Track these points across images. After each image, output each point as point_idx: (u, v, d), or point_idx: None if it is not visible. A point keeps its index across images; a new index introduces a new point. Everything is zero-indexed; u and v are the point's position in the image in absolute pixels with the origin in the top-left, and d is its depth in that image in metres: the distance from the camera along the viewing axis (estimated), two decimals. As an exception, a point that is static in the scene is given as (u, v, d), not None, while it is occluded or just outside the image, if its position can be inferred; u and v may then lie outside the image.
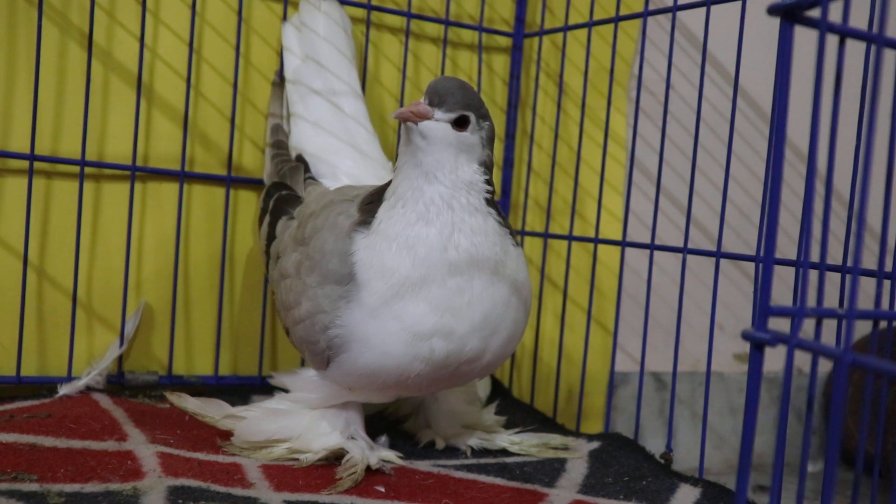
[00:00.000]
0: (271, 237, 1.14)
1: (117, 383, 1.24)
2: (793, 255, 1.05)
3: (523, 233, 1.44)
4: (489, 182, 1.00)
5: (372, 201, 1.01)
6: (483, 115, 0.98)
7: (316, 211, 1.07)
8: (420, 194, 0.96)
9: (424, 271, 0.95)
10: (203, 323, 1.31)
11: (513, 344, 1.03)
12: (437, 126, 0.95)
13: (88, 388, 1.21)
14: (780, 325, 0.68)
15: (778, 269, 0.63)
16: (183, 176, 1.27)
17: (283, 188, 1.18)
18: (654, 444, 1.34)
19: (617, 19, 1.27)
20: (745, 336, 0.63)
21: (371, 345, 0.97)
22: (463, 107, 0.96)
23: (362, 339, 0.97)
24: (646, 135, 1.38)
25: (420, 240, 0.95)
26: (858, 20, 0.77)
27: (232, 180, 1.30)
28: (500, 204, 1.44)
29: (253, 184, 1.31)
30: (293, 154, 1.21)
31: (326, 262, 1.00)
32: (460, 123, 0.96)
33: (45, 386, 1.20)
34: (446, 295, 0.95)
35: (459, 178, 0.97)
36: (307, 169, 1.19)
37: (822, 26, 0.62)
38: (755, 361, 0.62)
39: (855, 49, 0.79)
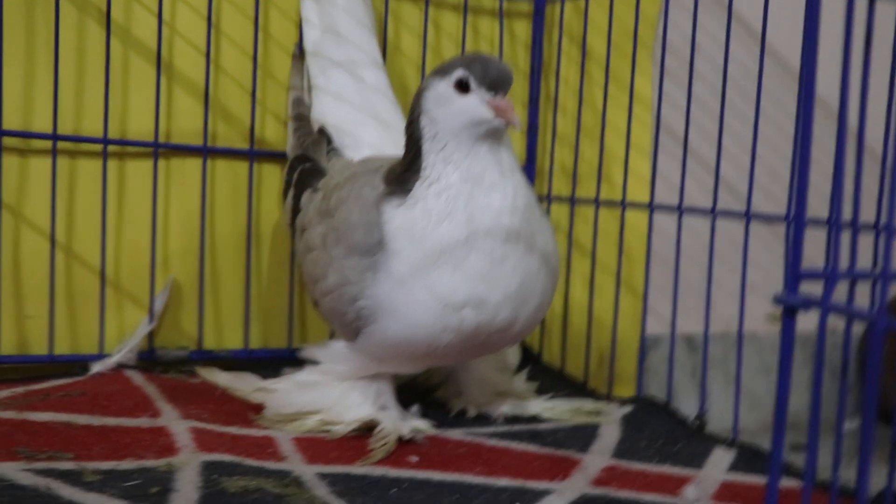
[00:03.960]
0: (296, 210, 1.14)
1: (149, 359, 1.25)
2: (824, 215, 1.03)
3: (549, 198, 1.43)
4: None
5: (400, 174, 1.00)
6: None
7: (340, 183, 1.06)
8: (488, 161, 0.96)
9: (474, 239, 0.95)
10: (231, 297, 1.31)
11: (542, 312, 1.03)
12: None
13: (120, 365, 1.21)
14: (813, 286, 0.67)
15: (810, 228, 0.62)
16: (206, 151, 1.27)
17: (307, 161, 1.17)
18: (687, 407, 1.32)
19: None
20: (778, 300, 0.62)
21: (400, 315, 0.97)
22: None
23: (391, 309, 0.97)
24: (672, 96, 1.36)
25: (480, 207, 0.95)
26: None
27: (255, 154, 1.30)
28: (526, 170, 1.43)
29: (276, 157, 1.31)
30: (315, 126, 1.21)
31: (352, 233, 1.00)
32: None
33: (77, 364, 1.20)
34: (488, 264, 0.95)
35: (509, 144, 0.99)
36: (329, 141, 1.18)
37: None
38: (788, 326, 0.61)
39: (884, 7, 0.76)
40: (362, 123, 1.19)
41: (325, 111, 1.20)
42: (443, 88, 0.98)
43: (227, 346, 1.31)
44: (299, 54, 1.27)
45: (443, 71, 0.99)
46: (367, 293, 0.98)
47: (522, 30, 1.45)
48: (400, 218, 0.97)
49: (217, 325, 1.30)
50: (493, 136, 0.97)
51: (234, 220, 1.31)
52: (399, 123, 1.20)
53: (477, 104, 0.96)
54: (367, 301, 0.98)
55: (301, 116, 1.23)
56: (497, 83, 0.96)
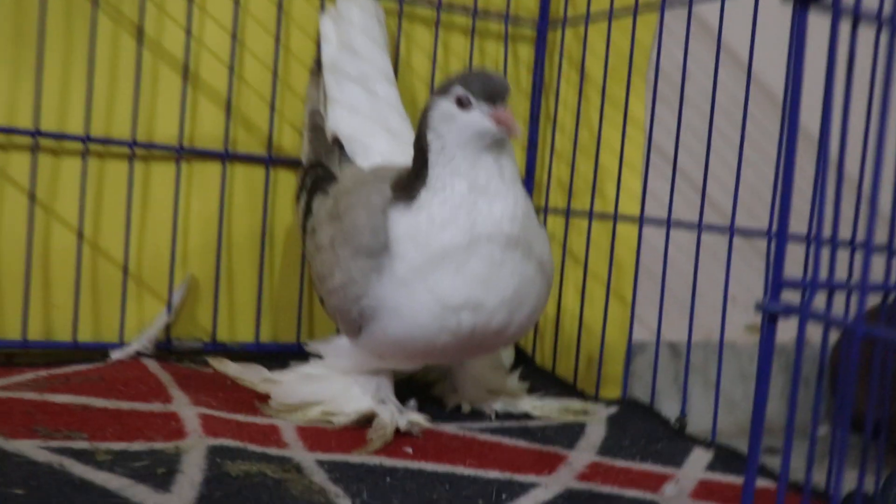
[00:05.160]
0: (308, 213, 1.12)
1: (165, 349, 1.24)
2: (802, 232, 1.01)
3: (546, 210, 1.41)
4: None
5: (407, 183, 0.98)
6: None
7: (350, 189, 1.05)
8: (493, 171, 0.95)
9: (475, 244, 0.93)
10: (245, 293, 1.29)
11: (535, 316, 1.02)
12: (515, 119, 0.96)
13: (138, 354, 1.20)
14: (791, 299, 0.65)
15: (788, 244, 0.61)
16: (226, 157, 1.26)
17: (320, 167, 1.16)
18: (669, 409, 1.30)
19: (636, 11, 1.25)
20: (759, 307, 0.60)
21: (400, 315, 0.95)
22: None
23: (392, 309, 0.95)
24: (663, 118, 1.35)
25: (483, 214, 0.94)
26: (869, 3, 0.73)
27: (271, 161, 1.28)
28: (525, 183, 1.41)
29: (291, 164, 1.29)
30: (329, 136, 1.19)
31: (359, 235, 0.98)
32: None
33: (99, 351, 1.19)
34: (487, 268, 0.93)
35: (511, 154, 0.98)
36: (342, 150, 1.16)
37: (836, 8, 0.58)
38: (769, 332, 0.59)
39: (866, 36, 0.75)
40: (373, 134, 1.18)
41: (339, 121, 1.19)
42: (445, 106, 0.96)
43: (240, 339, 1.29)
44: (317, 69, 1.25)
45: (443, 90, 0.98)
46: (371, 293, 0.96)
47: (525, 52, 1.44)
48: (405, 223, 0.96)
49: (230, 320, 1.28)
50: (497, 145, 0.96)
51: (250, 222, 1.29)
52: (408, 135, 1.18)
53: (479, 117, 0.95)
54: (371, 300, 0.96)
55: (316, 126, 1.22)
56: (495, 95, 0.95)
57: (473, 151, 0.95)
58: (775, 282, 0.59)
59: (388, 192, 1.00)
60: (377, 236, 0.97)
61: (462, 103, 0.95)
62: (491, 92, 0.95)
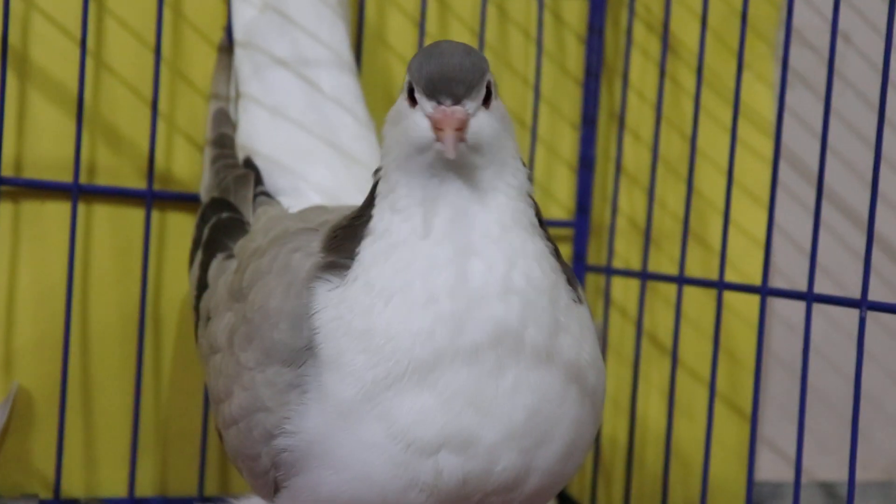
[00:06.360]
0: (202, 285, 0.99)
1: (-27, 514, 1.02)
2: None
3: (610, 270, 1.24)
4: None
5: (345, 234, 0.88)
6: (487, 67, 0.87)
7: (262, 247, 0.92)
8: (465, 221, 0.85)
9: (450, 337, 0.82)
10: (111, 416, 1.14)
11: (575, 459, 0.88)
12: (483, 122, 0.84)
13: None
14: None
15: None
16: (77, 191, 1.09)
17: (225, 208, 1.03)
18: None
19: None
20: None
21: (340, 463, 0.84)
22: (481, 73, 0.84)
23: (326, 453, 0.84)
24: (802, 113, 1.24)
25: (447, 281, 0.82)
26: None
27: (155, 196, 1.13)
28: (575, 225, 1.27)
29: (188, 201, 1.15)
30: (241, 156, 1.07)
31: (270, 328, 0.86)
32: (486, 97, 0.84)
33: None
34: (473, 378, 0.82)
35: (512, 183, 0.87)
36: (259, 179, 1.05)
37: None
38: None
39: None
40: (312, 154, 1.06)
41: (255, 133, 1.07)
42: (399, 102, 0.87)
43: (103, 493, 1.14)
44: (228, 45, 1.12)
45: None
46: (290, 426, 0.84)
47: (574, 12, 1.31)
48: (337, 303, 0.84)
49: (87, 460, 1.13)
50: (463, 169, 0.85)
51: (119, 297, 1.14)
52: (368, 153, 1.08)
53: (417, 120, 0.84)
54: (291, 439, 0.84)
55: (224, 138, 1.09)
56: (436, 85, 0.83)
57: (420, 175, 0.85)
58: None
59: (318, 251, 0.88)
60: (297, 329, 0.84)
61: (411, 96, 0.85)
62: (432, 78, 0.83)
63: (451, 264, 0.83)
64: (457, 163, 0.84)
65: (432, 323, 0.81)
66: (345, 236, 0.86)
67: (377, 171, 0.88)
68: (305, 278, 0.84)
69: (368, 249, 0.85)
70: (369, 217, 0.86)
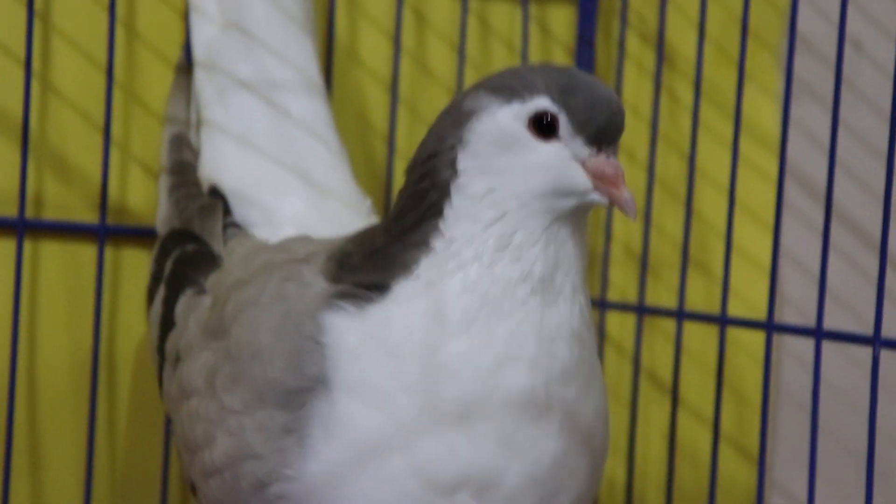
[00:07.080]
0: (167, 324, 0.95)
1: None
2: None
3: (604, 304, 1.21)
4: None
5: (371, 254, 0.86)
6: None
7: (243, 278, 0.89)
8: (565, 257, 0.85)
9: (511, 381, 0.83)
10: (61, 472, 1.09)
11: None
12: None
13: None
14: None
15: None
16: (23, 226, 1.06)
17: (189, 240, 0.99)
18: None
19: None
20: None
21: (348, 502, 0.83)
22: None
23: (333, 493, 0.83)
24: (810, 126, 1.20)
25: (533, 323, 0.84)
26: None
27: (109, 231, 1.10)
28: None
29: (145, 236, 1.10)
30: (205, 186, 1.03)
31: (262, 366, 0.83)
32: None
33: None
34: (513, 421, 0.84)
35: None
36: (228, 210, 1.02)
37: None
38: None
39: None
40: (283, 185, 1.03)
41: (220, 164, 1.03)
42: (509, 122, 0.81)
43: None
44: (187, 64, 1.09)
45: (511, 90, 0.83)
46: (291, 471, 0.82)
47: (561, 20, 1.25)
48: (364, 331, 0.83)
49: None
50: (577, 217, 0.85)
51: (71, 341, 1.10)
52: (342, 185, 1.05)
53: (568, 163, 0.81)
54: (290, 484, 0.82)
55: (183, 166, 1.06)
56: (605, 132, 0.80)
57: (540, 217, 0.83)
58: None
59: (321, 282, 0.85)
60: (296, 365, 0.83)
61: (543, 127, 0.81)
62: (601, 125, 0.80)
63: (540, 310, 0.82)
64: (587, 213, 0.86)
65: (503, 357, 0.81)
66: (366, 259, 0.84)
67: (424, 178, 0.85)
68: (308, 308, 0.82)
69: (442, 268, 0.83)
70: (432, 228, 0.83)
